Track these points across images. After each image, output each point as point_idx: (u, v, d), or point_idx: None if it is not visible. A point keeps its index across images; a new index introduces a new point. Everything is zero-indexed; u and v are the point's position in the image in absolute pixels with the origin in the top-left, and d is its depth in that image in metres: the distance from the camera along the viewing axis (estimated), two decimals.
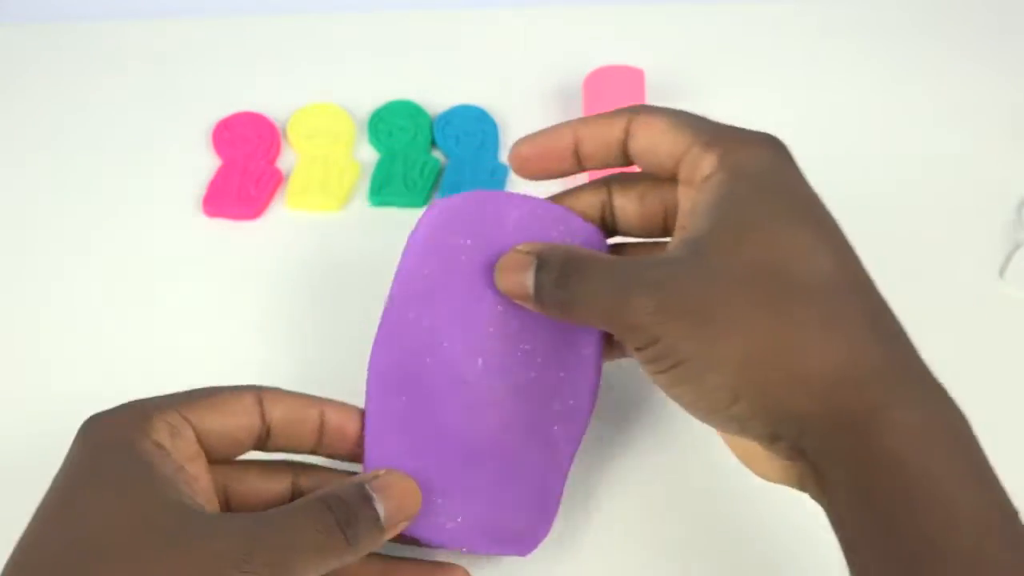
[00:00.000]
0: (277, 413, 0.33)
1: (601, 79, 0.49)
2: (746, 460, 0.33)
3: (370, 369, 0.36)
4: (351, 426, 0.34)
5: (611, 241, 0.37)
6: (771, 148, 0.32)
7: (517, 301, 0.34)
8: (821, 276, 0.29)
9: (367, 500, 0.31)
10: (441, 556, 0.36)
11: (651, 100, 0.49)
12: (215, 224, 0.47)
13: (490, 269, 0.35)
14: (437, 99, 0.51)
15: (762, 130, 0.33)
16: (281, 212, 0.47)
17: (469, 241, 0.36)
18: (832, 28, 0.56)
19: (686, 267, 0.30)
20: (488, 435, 0.35)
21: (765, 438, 0.29)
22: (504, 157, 0.49)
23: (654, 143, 0.33)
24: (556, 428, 0.36)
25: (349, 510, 0.30)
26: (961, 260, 0.46)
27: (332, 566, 0.29)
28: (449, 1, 0.57)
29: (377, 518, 0.31)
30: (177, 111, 0.51)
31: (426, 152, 0.49)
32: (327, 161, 0.48)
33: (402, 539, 0.33)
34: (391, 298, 0.36)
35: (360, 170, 0.49)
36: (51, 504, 0.28)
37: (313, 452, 0.34)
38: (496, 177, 0.48)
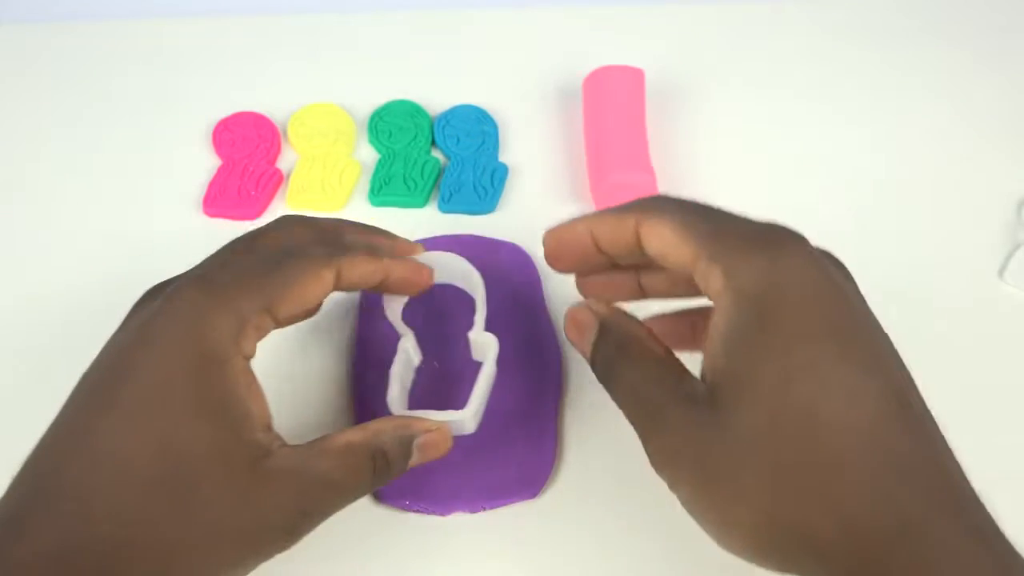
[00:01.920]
0: (352, 279, 0.34)
1: (601, 79, 0.49)
2: (715, 533, 0.29)
3: (352, 378, 0.40)
4: (415, 278, 0.37)
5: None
6: (768, 258, 0.28)
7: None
8: (838, 425, 0.26)
9: (407, 457, 0.32)
10: (456, 518, 0.37)
11: (651, 100, 0.49)
12: (215, 224, 0.46)
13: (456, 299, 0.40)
14: (437, 99, 0.51)
15: (768, 221, 0.30)
16: (281, 212, 0.47)
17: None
18: (832, 28, 0.56)
19: (698, 416, 0.28)
20: None
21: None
22: (504, 157, 0.49)
23: (664, 251, 0.31)
24: (536, 374, 0.40)
25: (388, 465, 0.32)
26: (961, 260, 0.46)
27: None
28: (449, 1, 0.57)
29: (405, 468, 0.33)
30: (177, 111, 0.51)
31: (426, 152, 0.49)
32: (327, 161, 0.48)
33: (415, 511, 0.37)
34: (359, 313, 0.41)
35: (360, 170, 0.49)
36: (144, 408, 0.28)
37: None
38: (496, 177, 0.48)
